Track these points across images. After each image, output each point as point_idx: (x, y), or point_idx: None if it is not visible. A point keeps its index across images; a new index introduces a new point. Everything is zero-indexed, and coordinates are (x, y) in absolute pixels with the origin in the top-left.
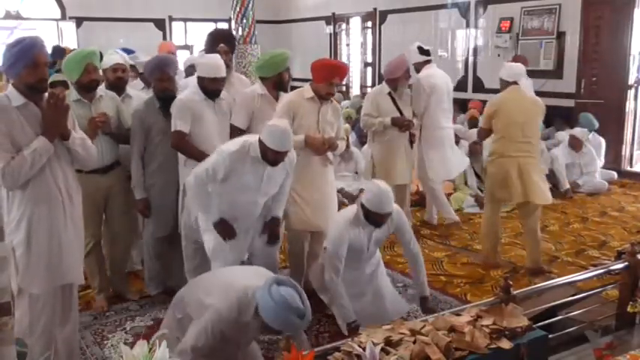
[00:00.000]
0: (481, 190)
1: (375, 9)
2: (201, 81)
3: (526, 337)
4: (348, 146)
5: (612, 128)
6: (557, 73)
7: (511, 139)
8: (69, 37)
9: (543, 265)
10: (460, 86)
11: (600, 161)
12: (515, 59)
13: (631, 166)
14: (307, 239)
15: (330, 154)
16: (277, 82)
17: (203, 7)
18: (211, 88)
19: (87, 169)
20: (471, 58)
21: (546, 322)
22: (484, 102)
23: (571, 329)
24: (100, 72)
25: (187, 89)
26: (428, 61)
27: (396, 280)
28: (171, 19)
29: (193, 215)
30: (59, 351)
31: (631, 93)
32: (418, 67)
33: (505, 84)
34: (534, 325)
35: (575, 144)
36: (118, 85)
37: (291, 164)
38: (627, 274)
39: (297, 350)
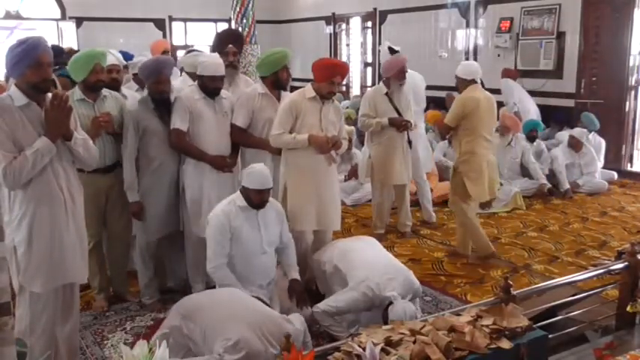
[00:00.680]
0: None
1: (375, 9)
2: (201, 79)
3: (526, 337)
4: (349, 147)
5: (612, 128)
6: (557, 73)
7: (482, 136)
8: (69, 37)
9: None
10: None
11: (600, 162)
12: (506, 72)
13: (631, 166)
14: (311, 239)
15: (333, 153)
16: (275, 81)
17: (203, 7)
18: (211, 87)
19: (88, 170)
20: (471, 58)
21: (546, 322)
22: None
23: (571, 329)
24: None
25: (187, 88)
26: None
27: None
28: (171, 19)
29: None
30: (60, 350)
31: (631, 93)
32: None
33: (464, 82)
34: (534, 325)
35: (575, 144)
36: (112, 86)
37: (281, 214)
38: (627, 274)
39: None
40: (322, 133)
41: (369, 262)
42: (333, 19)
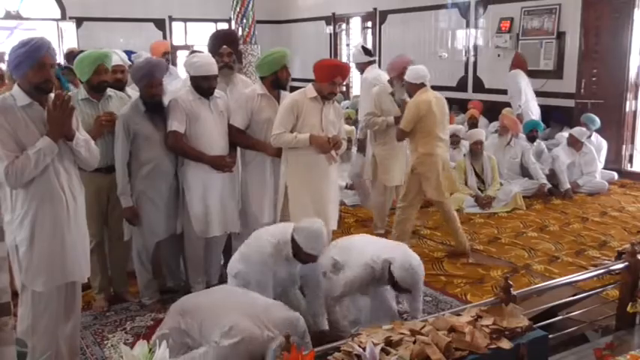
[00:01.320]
0: (481, 191)
1: (375, 9)
2: (194, 80)
3: (526, 337)
4: (349, 147)
5: (612, 128)
6: (557, 73)
7: (437, 137)
8: (69, 37)
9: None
10: (460, 86)
11: (600, 162)
12: (516, 57)
13: (631, 166)
14: None
15: (333, 152)
16: (275, 81)
17: (203, 7)
18: (205, 87)
19: (89, 170)
20: (471, 58)
21: (546, 322)
22: (484, 102)
23: (571, 329)
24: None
25: (182, 89)
26: (371, 62)
27: None
28: (171, 19)
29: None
30: (61, 349)
31: (631, 93)
32: (362, 67)
33: (414, 86)
34: (534, 325)
35: (574, 143)
36: (116, 86)
37: (318, 272)
38: (627, 274)
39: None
40: (323, 133)
41: (366, 246)
42: (333, 19)
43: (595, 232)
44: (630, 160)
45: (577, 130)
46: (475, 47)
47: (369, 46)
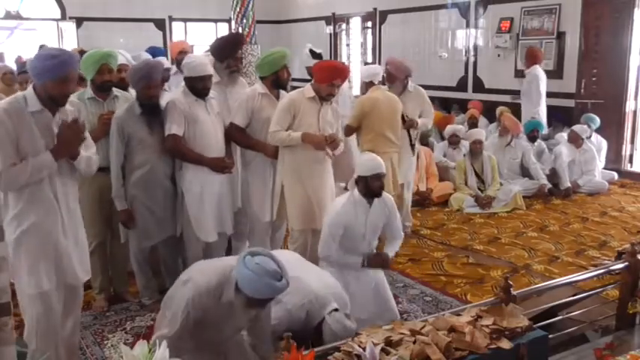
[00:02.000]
0: (481, 190)
1: (375, 9)
2: (189, 81)
3: (526, 337)
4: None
5: (612, 128)
6: (557, 73)
7: (382, 135)
8: (69, 37)
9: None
10: (460, 86)
11: (601, 162)
12: (529, 51)
13: (631, 166)
14: (310, 238)
15: (329, 150)
16: (275, 81)
17: (203, 8)
18: (200, 87)
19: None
20: (471, 58)
21: (546, 322)
22: (484, 102)
23: (571, 329)
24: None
25: (176, 91)
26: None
27: (396, 280)
28: (171, 19)
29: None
30: (60, 350)
31: (631, 93)
32: (311, 70)
33: (364, 84)
34: (534, 325)
35: (575, 139)
36: (121, 86)
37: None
38: (627, 274)
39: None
40: (319, 133)
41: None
42: (333, 19)
43: (595, 232)
44: (630, 160)
45: (578, 127)
46: (475, 47)
47: (369, 46)
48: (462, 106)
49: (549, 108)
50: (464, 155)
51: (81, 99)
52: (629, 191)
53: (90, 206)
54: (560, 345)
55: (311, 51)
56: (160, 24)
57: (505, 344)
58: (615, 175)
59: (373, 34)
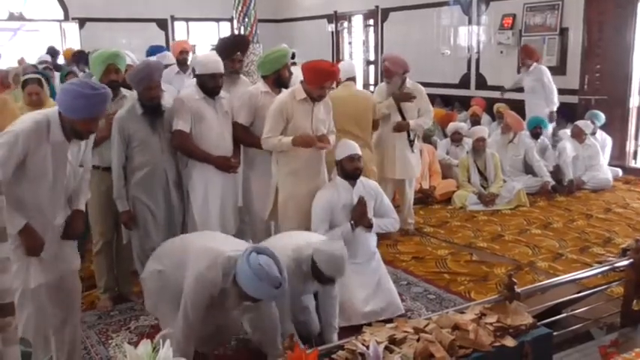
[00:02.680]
0: (484, 188)
1: (377, 7)
2: (200, 79)
3: (530, 334)
4: None
5: (616, 124)
6: (560, 69)
7: (348, 133)
8: (72, 38)
9: None
10: (463, 83)
11: (605, 159)
12: (524, 48)
13: (635, 163)
14: None
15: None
16: (277, 79)
17: (205, 7)
18: (210, 85)
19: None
20: (473, 55)
21: (551, 319)
22: (487, 99)
23: (576, 327)
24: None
25: (187, 88)
26: (293, 64)
27: (400, 277)
28: (173, 18)
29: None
30: (59, 351)
31: (635, 89)
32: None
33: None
34: (539, 323)
35: (578, 133)
36: (126, 86)
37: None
38: (632, 270)
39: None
40: (313, 134)
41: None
42: (335, 18)
43: (599, 228)
44: (634, 157)
45: (582, 122)
46: (477, 44)
47: (371, 43)
48: (465, 103)
49: None
50: (467, 153)
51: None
52: (634, 187)
53: (96, 206)
54: (564, 342)
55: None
56: (162, 24)
57: (509, 342)
58: (619, 172)
59: (375, 31)
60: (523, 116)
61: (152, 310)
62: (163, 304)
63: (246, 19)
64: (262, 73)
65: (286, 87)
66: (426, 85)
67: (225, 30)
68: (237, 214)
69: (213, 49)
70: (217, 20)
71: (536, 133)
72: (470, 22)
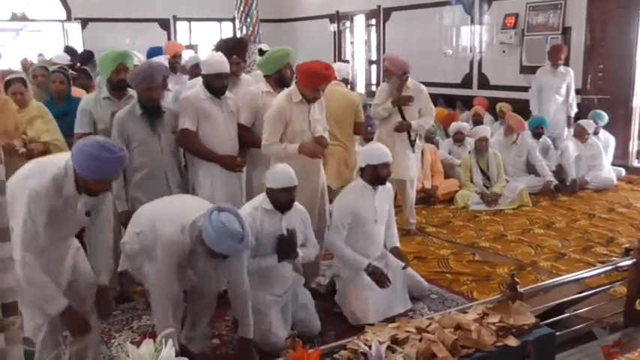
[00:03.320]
0: (486, 187)
1: (379, 6)
2: (206, 79)
3: (533, 334)
4: None
5: (619, 124)
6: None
7: (330, 134)
8: (74, 38)
9: None
10: (465, 83)
11: (608, 159)
12: (557, 48)
13: (638, 162)
14: None
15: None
16: (279, 79)
17: (207, 7)
18: (216, 85)
19: None
20: (476, 55)
21: (553, 319)
22: (489, 99)
23: (578, 326)
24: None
25: (193, 88)
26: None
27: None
28: (175, 18)
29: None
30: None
31: (638, 88)
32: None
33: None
34: (541, 323)
35: (580, 133)
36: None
37: (306, 219)
38: (635, 270)
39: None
40: (311, 136)
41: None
42: (337, 17)
43: (602, 228)
44: (638, 156)
45: (584, 121)
46: (480, 44)
47: (373, 43)
48: (467, 103)
49: None
50: (469, 152)
51: (96, 99)
52: (637, 187)
53: None
54: (567, 342)
55: (260, 50)
56: (164, 24)
57: (512, 342)
58: (622, 171)
59: (377, 31)
60: (526, 117)
61: (136, 274)
62: (146, 264)
63: (248, 19)
64: (264, 73)
65: (288, 86)
66: (428, 84)
67: (227, 30)
68: None
69: (213, 50)
70: (219, 20)
71: (538, 133)
72: (472, 22)
